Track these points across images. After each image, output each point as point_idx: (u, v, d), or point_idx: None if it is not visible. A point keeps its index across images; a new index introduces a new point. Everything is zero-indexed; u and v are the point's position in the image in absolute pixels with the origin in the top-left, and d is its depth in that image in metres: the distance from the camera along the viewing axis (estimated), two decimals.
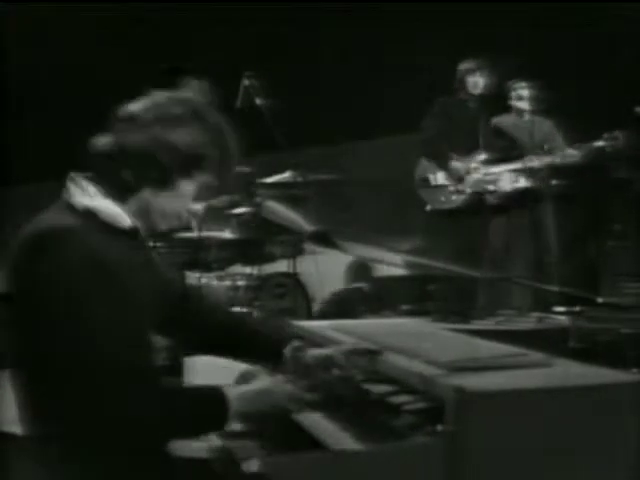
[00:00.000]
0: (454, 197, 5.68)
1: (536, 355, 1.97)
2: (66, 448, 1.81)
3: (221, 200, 5.17)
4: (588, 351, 2.43)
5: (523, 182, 5.66)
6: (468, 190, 5.66)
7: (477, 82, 5.76)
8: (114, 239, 1.87)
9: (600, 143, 5.24)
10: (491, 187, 5.66)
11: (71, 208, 1.89)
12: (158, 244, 5.09)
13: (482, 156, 5.68)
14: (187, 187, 1.94)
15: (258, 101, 4.97)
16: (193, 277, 5.34)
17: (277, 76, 5.09)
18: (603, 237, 5.71)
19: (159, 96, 1.95)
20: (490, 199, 5.69)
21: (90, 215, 1.88)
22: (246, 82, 4.99)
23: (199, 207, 2.00)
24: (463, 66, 5.84)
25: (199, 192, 1.96)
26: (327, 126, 6.82)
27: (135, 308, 1.86)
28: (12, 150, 6.44)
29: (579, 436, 1.70)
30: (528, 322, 3.09)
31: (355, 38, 6.79)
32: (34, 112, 6.36)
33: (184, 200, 1.96)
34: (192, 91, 2.01)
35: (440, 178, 5.72)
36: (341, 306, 6.29)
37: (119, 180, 1.90)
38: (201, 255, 5.14)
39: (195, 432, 1.91)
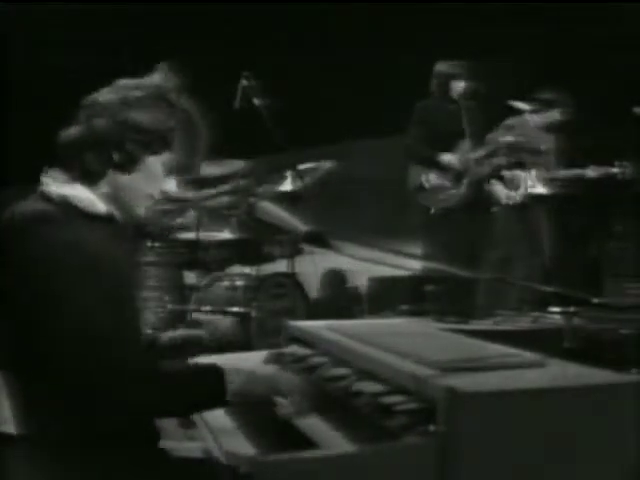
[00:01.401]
0: (453, 191, 5.66)
1: (530, 355, 1.96)
2: (61, 448, 1.81)
3: (219, 201, 5.17)
4: (583, 351, 2.42)
5: (541, 188, 5.70)
6: (465, 183, 5.65)
7: (460, 87, 5.77)
8: (91, 226, 1.90)
9: (614, 170, 5.40)
10: (512, 192, 5.71)
11: (45, 197, 1.91)
12: (157, 244, 5.10)
13: (467, 144, 5.68)
14: (156, 166, 1.99)
15: (256, 101, 4.98)
16: (192, 277, 5.36)
17: (277, 76, 5.10)
18: (604, 238, 5.72)
19: (122, 82, 2.01)
20: (507, 200, 5.72)
21: (65, 202, 1.90)
22: (244, 82, 5.00)
23: (171, 186, 2.04)
24: (442, 68, 5.82)
25: (169, 170, 2.01)
26: (327, 126, 6.82)
27: (117, 293, 1.88)
28: (12, 150, 6.45)
29: (572, 437, 1.70)
30: (524, 322, 3.08)
31: (355, 38, 6.79)
32: (34, 112, 6.37)
33: (155, 180, 2.00)
34: (158, 75, 2.05)
35: (433, 179, 5.71)
36: (336, 306, 6.30)
37: (84, 165, 1.94)
38: (200, 255, 5.15)
39: (194, 408, 1.96)
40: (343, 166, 5.79)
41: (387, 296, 6.32)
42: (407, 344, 2.06)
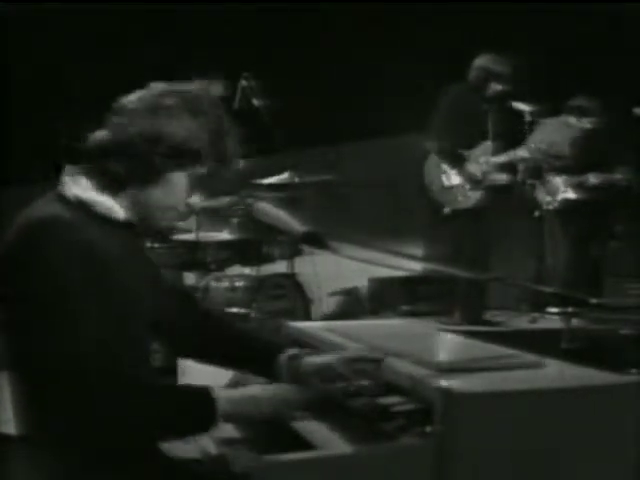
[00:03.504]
0: (471, 193, 5.58)
1: (528, 356, 1.96)
2: (61, 449, 1.80)
3: (219, 201, 5.17)
4: (582, 352, 2.43)
5: (571, 193, 5.74)
6: (484, 186, 5.57)
7: (497, 88, 5.65)
8: (107, 231, 1.86)
9: (618, 176, 5.47)
10: (548, 197, 5.73)
11: (62, 199, 1.87)
12: (157, 245, 5.10)
13: (488, 144, 5.62)
14: (181, 180, 1.90)
15: (256, 102, 4.98)
16: (191, 278, 5.35)
17: (277, 76, 5.10)
18: (605, 238, 5.74)
19: (154, 87, 1.91)
20: (547, 205, 5.75)
21: (82, 206, 1.86)
22: (244, 83, 5.00)
23: (197, 200, 1.96)
24: (483, 63, 5.65)
25: (193, 184, 1.93)
26: (327, 126, 6.81)
27: (126, 302, 1.84)
28: (12, 150, 6.45)
29: (570, 438, 1.69)
30: (524, 322, 3.09)
31: (355, 38, 6.79)
32: (34, 112, 6.37)
33: (179, 194, 1.92)
34: (196, 83, 1.94)
35: (454, 178, 5.60)
36: (344, 307, 6.29)
37: (109, 174, 1.87)
38: (199, 256, 5.14)
39: (182, 432, 1.87)
40: (341, 167, 5.77)
41: (387, 296, 6.32)
42: (405, 345, 2.06)
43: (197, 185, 1.93)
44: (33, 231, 1.79)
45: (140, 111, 1.85)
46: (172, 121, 1.84)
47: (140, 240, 2.05)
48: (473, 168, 5.54)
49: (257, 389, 1.95)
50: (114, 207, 1.89)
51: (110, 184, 1.88)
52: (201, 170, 1.90)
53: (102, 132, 1.89)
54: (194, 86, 1.93)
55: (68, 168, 1.92)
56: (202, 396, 1.85)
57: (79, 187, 1.88)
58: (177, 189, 1.90)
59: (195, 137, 1.85)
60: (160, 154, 1.84)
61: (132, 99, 1.89)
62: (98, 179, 1.88)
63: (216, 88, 1.94)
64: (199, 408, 1.85)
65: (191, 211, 1.99)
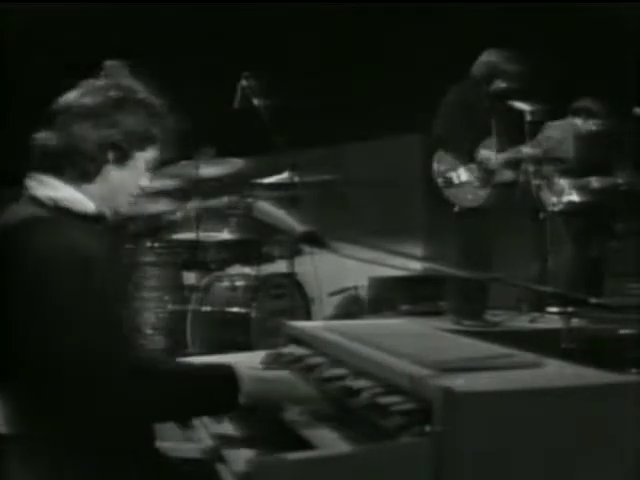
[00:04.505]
0: (481, 191, 5.50)
1: (527, 356, 1.96)
2: (55, 448, 1.80)
3: (219, 201, 5.18)
4: (582, 352, 2.43)
5: (575, 196, 5.76)
6: (493, 183, 5.52)
7: (502, 86, 5.60)
8: (83, 227, 1.89)
9: (619, 180, 5.50)
10: (554, 198, 5.74)
11: (35, 201, 1.91)
12: (157, 244, 5.10)
13: (492, 141, 5.57)
14: (141, 162, 2.00)
15: (256, 102, 4.98)
16: (191, 277, 5.36)
17: (277, 76, 5.10)
18: (606, 239, 5.75)
19: (93, 84, 1.99)
20: (551, 207, 5.75)
21: (55, 205, 1.90)
22: (244, 83, 5.00)
23: (145, 181, 2.04)
24: (489, 58, 5.59)
25: (150, 166, 2.03)
26: (327, 126, 6.81)
27: (108, 301, 1.86)
28: (12, 150, 6.44)
29: (570, 438, 1.69)
30: (524, 322, 3.08)
31: (355, 38, 6.79)
32: (33, 112, 6.36)
33: (139, 176, 2.02)
34: (116, 75, 2.04)
35: (463, 175, 5.51)
36: (344, 307, 6.30)
37: (79, 169, 1.93)
38: (200, 256, 5.15)
39: (203, 411, 1.93)
40: (342, 167, 5.77)
41: (387, 296, 6.33)
42: (405, 344, 2.06)
43: (149, 167, 2.03)
44: (13, 234, 1.82)
45: (92, 107, 1.93)
46: (124, 111, 1.94)
47: (112, 231, 2.08)
48: (487, 154, 5.45)
49: (285, 373, 2.01)
50: (83, 201, 1.94)
51: (82, 176, 1.94)
52: (154, 151, 2.01)
53: (54, 133, 1.94)
54: (124, 79, 2.02)
55: (31, 173, 1.96)
56: (223, 374, 1.89)
57: (46, 186, 1.92)
58: (138, 172, 2.00)
59: (145, 121, 1.96)
60: (119, 140, 1.94)
61: (74, 97, 1.97)
62: (62, 176, 1.93)
63: (123, 70, 2.03)
64: (220, 386, 1.88)
65: (142, 193, 2.06)
